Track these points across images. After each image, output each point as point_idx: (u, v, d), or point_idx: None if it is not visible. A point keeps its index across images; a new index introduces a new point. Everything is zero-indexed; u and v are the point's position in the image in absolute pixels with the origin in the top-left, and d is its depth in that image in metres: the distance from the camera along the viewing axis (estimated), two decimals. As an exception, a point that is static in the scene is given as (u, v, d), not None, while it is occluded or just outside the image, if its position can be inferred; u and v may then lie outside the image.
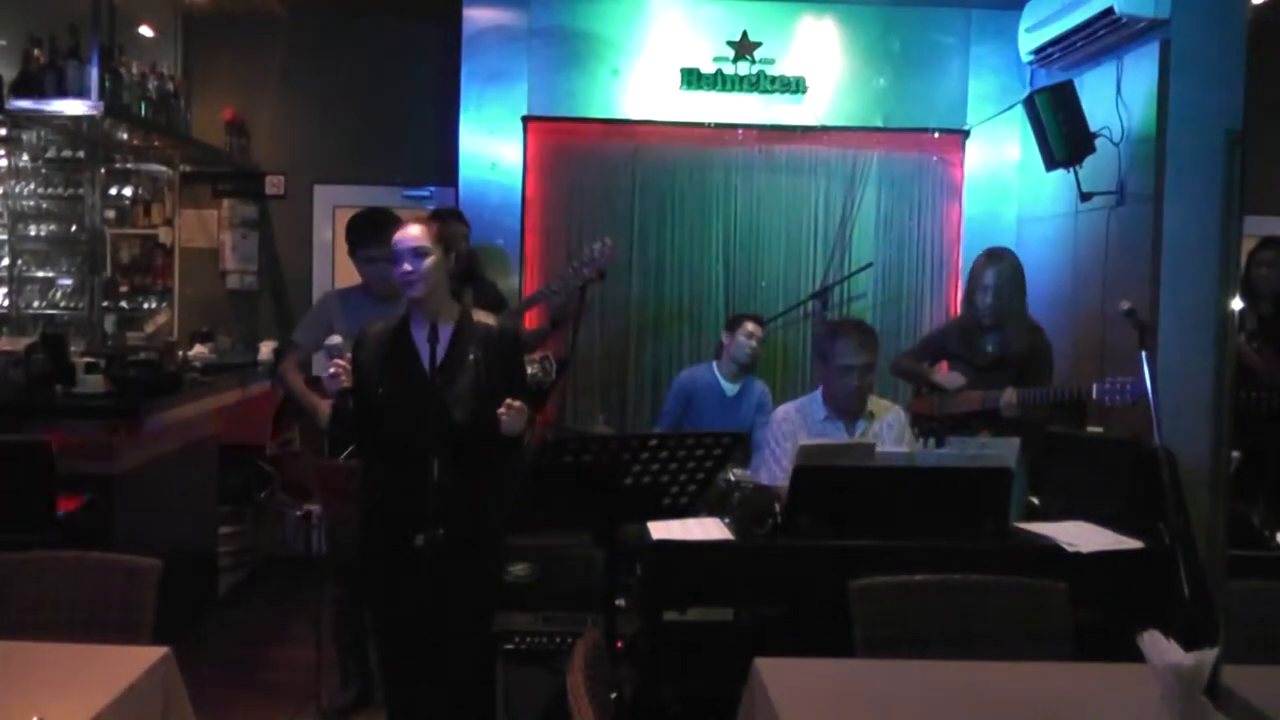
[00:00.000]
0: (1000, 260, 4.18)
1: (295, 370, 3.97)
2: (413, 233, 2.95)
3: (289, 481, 4.17)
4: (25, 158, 5.60)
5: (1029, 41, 5.00)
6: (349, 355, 2.94)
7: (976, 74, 5.54)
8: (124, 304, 5.91)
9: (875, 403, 3.77)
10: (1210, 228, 4.08)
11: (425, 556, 2.88)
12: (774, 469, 3.68)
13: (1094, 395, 3.89)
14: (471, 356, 2.97)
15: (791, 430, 3.71)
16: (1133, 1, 4.17)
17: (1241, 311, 4.14)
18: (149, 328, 5.79)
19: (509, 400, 2.84)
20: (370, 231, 3.86)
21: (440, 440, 2.88)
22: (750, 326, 4.86)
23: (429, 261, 2.93)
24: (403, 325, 3.02)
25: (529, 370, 3.98)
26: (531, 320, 4.71)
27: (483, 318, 3.09)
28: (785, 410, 3.84)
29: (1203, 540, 3.83)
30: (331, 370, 2.89)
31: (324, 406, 3.61)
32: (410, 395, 2.94)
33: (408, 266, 2.91)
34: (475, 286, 4.50)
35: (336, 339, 2.97)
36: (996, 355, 4.21)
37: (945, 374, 4.28)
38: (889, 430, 3.71)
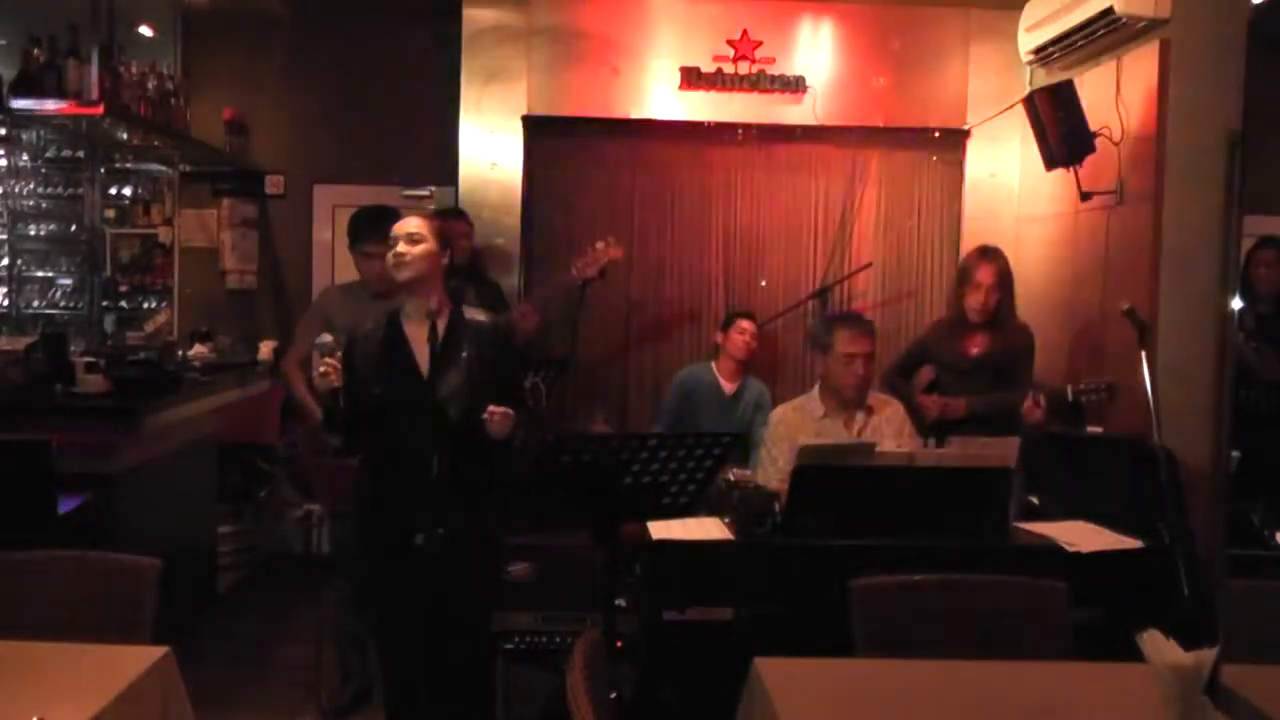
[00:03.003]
0: (995, 259, 4.16)
1: (296, 369, 3.96)
2: (410, 221, 3.01)
3: (296, 480, 4.17)
4: (25, 157, 5.61)
5: (1029, 41, 5.00)
6: (339, 355, 2.94)
7: (976, 73, 5.53)
8: (124, 303, 5.91)
9: (874, 398, 3.78)
10: (1210, 228, 4.08)
11: (424, 555, 2.88)
12: (769, 471, 3.67)
13: (1069, 398, 3.91)
14: (465, 354, 2.98)
15: (788, 432, 3.71)
16: (1133, 1, 4.16)
17: (1241, 311, 4.13)
18: (149, 327, 5.78)
19: (492, 407, 2.84)
20: (369, 227, 3.87)
21: (438, 437, 2.88)
22: (743, 324, 4.89)
23: (421, 248, 2.96)
24: (394, 323, 3.03)
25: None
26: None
27: (475, 314, 3.09)
28: (781, 412, 3.85)
29: (1203, 540, 3.83)
30: (321, 369, 2.89)
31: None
32: (405, 393, 2.94)
33: (401, 248, 2.95)
34: (479, 286, 4.50)
35: (326, 338, 2.96)
36: (980, 356, 4.19)
37: (928, 400, 4.24)
38: (888, 426, 3.72)
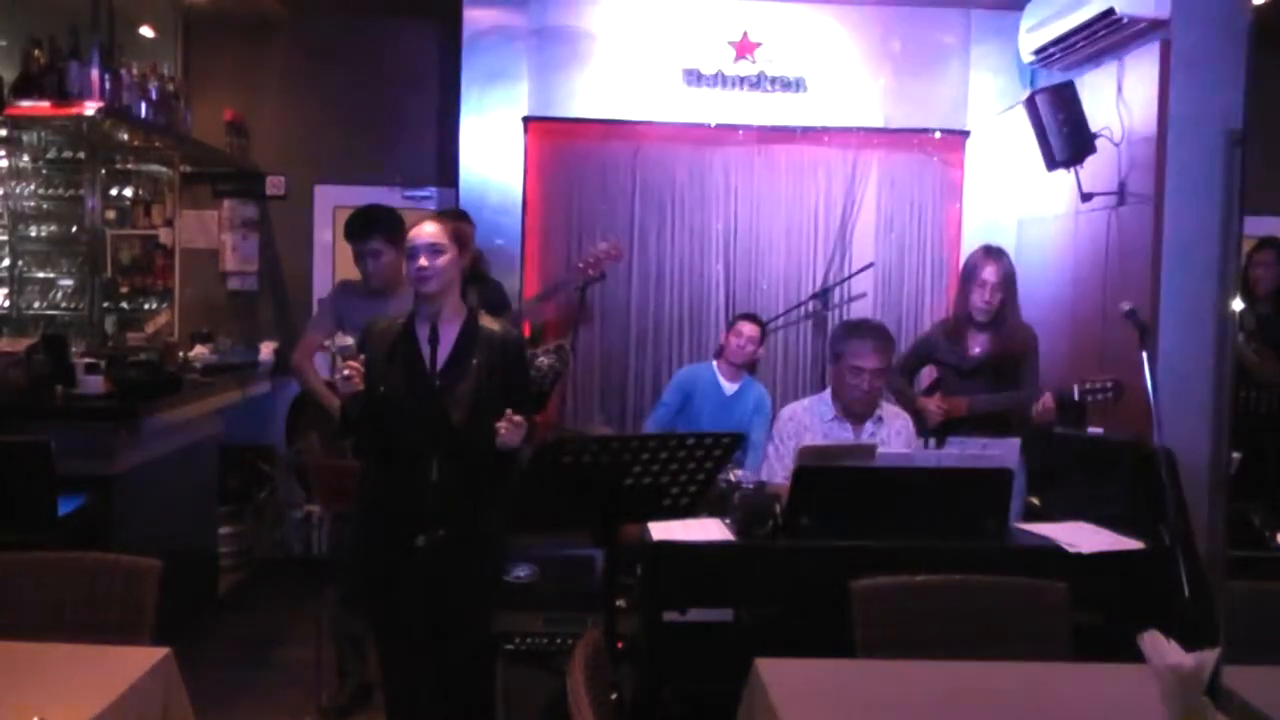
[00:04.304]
0: (1000, 258, 4.15)
1: (309, 361, 3.95)
2: (429, 230, 2.96)
3: (305, 484, 4.14)
4: (26, 158, 5.60)
5: (1030, 42, 5.00)
6: (362, 357, 2.93)
7: (977, 74, 5.53)
8: (124, 304, 5.90)
9: (886, 409, 3.76)
10: (1210, 228, 4.08)
11: (425, 556, 2.88)
12: (775, 468, 3.67)
13: (1075, 397, 3.91)
14: (475, 361, 2.97)
15: (796, 430, 3.69)
16: (1133, 2, 4.17)
17: (1241, 312, 4.13)
18: (149, 328, 5.79)
19: (510, 413, 2.83)
20: (359, 227, 3.85)
21: (439, 442, 2.88)
22: (741, 326, 4.90)
23: (444, 259, 2.94)
24: (409, 324, 3.03)
25: (548, 360, 3.98)
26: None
27: (489, 323, 3.09)
28: (792, 409, 3.82)
29: (1203, 540, 3.83)
30: (345, 373, 2.89)
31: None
32: (411, 395, 2.94)
33: (423, 261, 2.91)
34: (481, 287, 4.51)
35: (349, 340, 2.96)
36: (983, 356, 4.18)
37: (930, 403, 4.23)
38: (897, 437, 3.68)
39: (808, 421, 3.71)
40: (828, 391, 3.78)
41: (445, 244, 2.95)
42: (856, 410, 3.67)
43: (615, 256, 4.30)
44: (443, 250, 2.94)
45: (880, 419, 3.71)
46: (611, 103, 5.46)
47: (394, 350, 2.99)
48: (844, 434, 3.66)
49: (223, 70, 6.03)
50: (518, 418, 2.83)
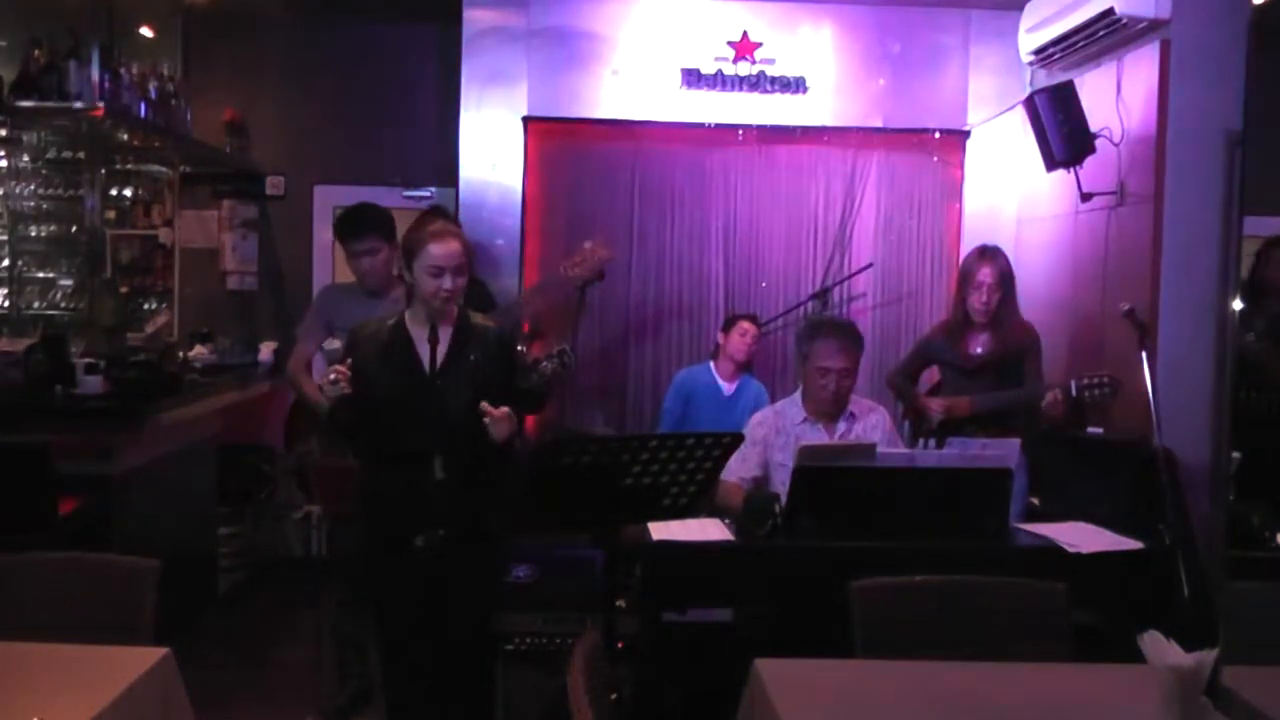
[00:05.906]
0: (995, 258, 4.14)
1: (304, 371, 3.94)
2: (455, 248, 2.95)
3: (306, 488, 4.14)
4: (25, 158, 5.60)
5: (1029, 42, 5.00)
6: (349, 360, 2.93)
7: (976, 74, 5.53)
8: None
9: (857, 403, 3.72)
10: (1210, 228, 4.08)
11: (425, 556, 2.88)
12: (732, 466, 3.53)
13: (1072, 393, 3.90)
14: (471, 358, 2.98)
15: (761, 435, 3.65)
16: (1133, 2, 4.17)
17: (1243, 311, 4.13)
18: (149, 328, 5.79)
19: (489, 409, 2.84)
20: (355, 226, 3.83)
21: (442, 440, 2.88)
22: (744, 325, 4.90)
23: (465, 277, 2.97)
24: (399, 326, 3.03)
25: (550, 365, 3.98)
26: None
27: (481, 319, 3.10)
28: (762, 415, 3.78)
29: (1203, 540, 3.84)
30: (332, 377, 2.88)
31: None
32: (410, 396, 2.94)
33: (449, 285, 2.92)
34: (469, 284, 4.48)
35: (335, 344, 2.97)
36: (984, 356, 4.18)
37: (932, 402, 4.23)
38: (873, 431, 3.64)
39: (778, 425, 3.66)
40: (798, 393, 3.73)
41: (466, 261, 2.98)
42: (826, 410, 3.63)
43: (603, 256, 4.27)
44: (465, 269, 2.97)
45: (852, 415, 3.66)
46: (611, 103, 5.46)
47: (387, 352, 2.99)
48: (816, 435, 3.61)
49: (223, 70, 6.03)
50: (500, 410, 2.84)
